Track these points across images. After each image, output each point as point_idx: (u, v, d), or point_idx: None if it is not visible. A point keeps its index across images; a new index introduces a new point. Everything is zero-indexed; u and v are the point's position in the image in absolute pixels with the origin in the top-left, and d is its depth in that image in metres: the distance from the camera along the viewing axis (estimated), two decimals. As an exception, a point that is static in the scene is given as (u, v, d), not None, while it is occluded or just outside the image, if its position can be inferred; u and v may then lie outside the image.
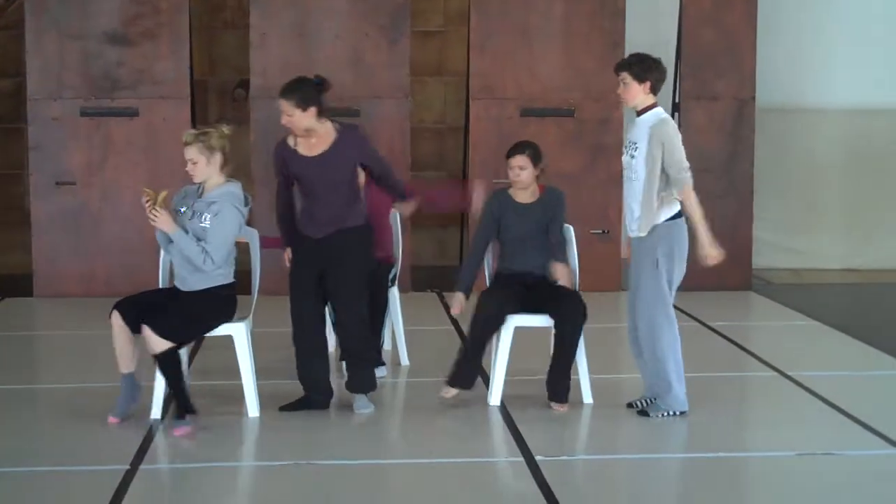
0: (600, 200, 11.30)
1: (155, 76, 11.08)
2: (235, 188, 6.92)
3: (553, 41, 11.34)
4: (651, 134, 6.93)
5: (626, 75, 7.07)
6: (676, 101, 11.93)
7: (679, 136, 7.08)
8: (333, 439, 6.78)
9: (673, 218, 7.01)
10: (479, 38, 11.33)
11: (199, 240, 6.79)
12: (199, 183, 6.91)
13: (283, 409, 7.13)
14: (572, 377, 7.54)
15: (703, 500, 5.90)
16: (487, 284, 7.55)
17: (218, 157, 6.90)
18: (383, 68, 11.21)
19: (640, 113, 7.08)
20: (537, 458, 6.31)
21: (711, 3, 11.50)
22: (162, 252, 7.16)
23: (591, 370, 7.40)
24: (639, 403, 7.14)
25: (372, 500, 5.91)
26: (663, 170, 6.97)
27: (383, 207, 8.12)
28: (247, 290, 7.34)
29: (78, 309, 10.56)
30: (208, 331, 7.03)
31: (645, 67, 7.07)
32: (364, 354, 7.17)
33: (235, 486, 6.18)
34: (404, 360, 8.33)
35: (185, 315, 6.84)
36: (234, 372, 7.17)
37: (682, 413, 7.02)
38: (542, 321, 7.33)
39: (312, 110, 6.96)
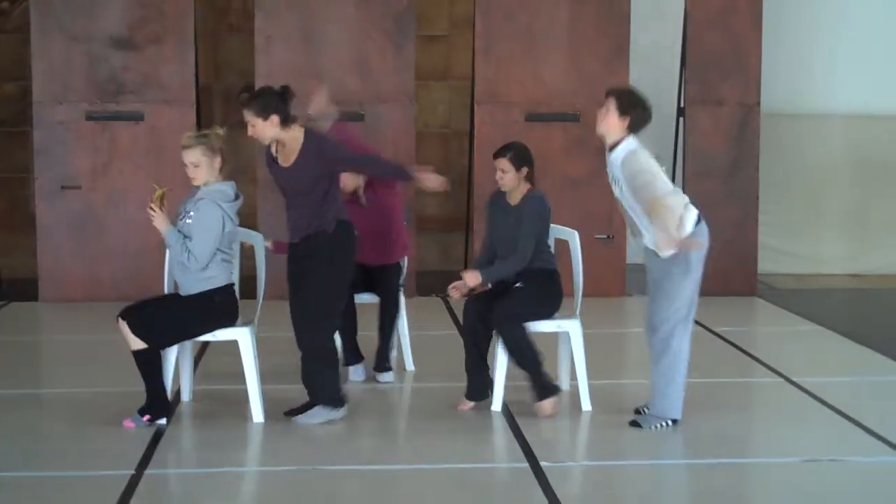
0: (605, 206, 11.26)
1: (160, 80, 11.09)
2: (225, 186, 6.94)
3: (558, 46, 11.34)
4: (623, 171, 6.85)
5: (611, 102, 6.90)
6: (681, 105, 11.94)
7: (650, 163, 6.85)
8: (338, 445, 6.77)
9: (698, 223, 6.93)
10: (484, 43, 11.33)
11: (186, 238, 6.84)
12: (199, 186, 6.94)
13: (288, 413, 7.13)
14: (572, 383, 7.55)
15: (708, 507, 5.91)
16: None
17: (218, 160, 6.93)
18: (388, 73, 11.22)
19: (611, 148, 6.92)
20: (542, 463, 6.31)
21: (717, 7, 11.50)
22: (167, 255, 7.18)
23: (593, 376, 7.38)
24: (645, 410, 7.13)
25: (377, 505, 5.91)
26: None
27: (388, 209, 8.12)
28: (252, 295, 7.35)
29: (83, 313, 10.57)
30: (197, 335, 7.03)
31: (632, 103, 6.89)
32: (309, 362, 7.04)
33: (240, 491, 6.18)
34: (409, 365, 8.33)
35: (167, 317, 6.89)
36: (239, 377, 7.18)
37: (674, 422, 6.99)
38: (544, 326, 7.33)
39: (274, 119, 6.91)
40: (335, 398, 7.03)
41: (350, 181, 7.78)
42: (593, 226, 11.03)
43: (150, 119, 11.09)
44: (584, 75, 11.34)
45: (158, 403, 6.91)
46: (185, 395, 7.52)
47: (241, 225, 7.33)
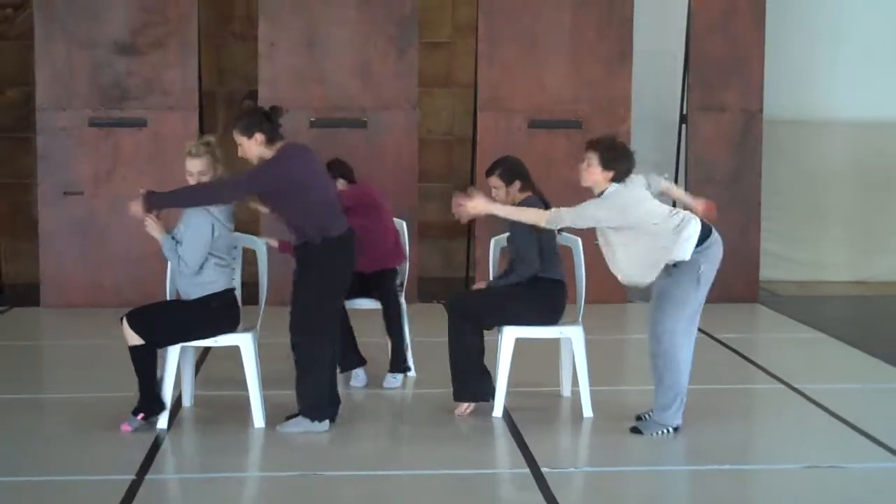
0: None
1: (163, 86, 11.10)
2: None
3: (561, 52, 11.35)
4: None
5: (592, 156, 6.92)
6: (684, 112, 11.95)
7: (619, 205, 6.86)
8: (339, 450, 6.77)
9: (706, 236, 6.93)
10: (487, 49, 11.34)
11: (178, 244, 6.88)
12: None
13: (290, 419, 7.13)
14: (574, 389, 7.56)
15: (708, 513, 5.90)
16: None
17: (219, 168, 6.96)
18: (391, 79, 11.23)
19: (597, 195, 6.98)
20: (543, 469, 6.30)
21: (720, 13, 11.51)
22: (169, 262, 7.20)
23: (595, 382, 7.38)
24: (647, 416, 7.13)
25: (377, 511, 5.91)
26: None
27: (379, 216, 8.14)
28: (254, 301, 7.36)
29: (85, 319, 10.58)
30: (196, 339, 7.03)
31: (615, 157, 6.91)
32: (298, 370, 7.04)
33: (241, 496, 6.18)
34: (411, 371, 8.33)
35: (166, 318, 6.93)
36: (241, 382, 7.18)
37: (675, 429, 6.99)
38: (546, 333, 7.33)
39: (258, 137, 6.92)
40: (314, 409, 6.99)
41: None
42: (595, 232, 10.99)
43: (153, 125, 11.10)
44: (588, 82, 11.35)
45: (152, 402, 6.93)
46: (187, 401, 7.53)
47: (243, 231, 7.34)
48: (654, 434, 6.95)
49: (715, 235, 6.99)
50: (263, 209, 7.59)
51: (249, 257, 7.47)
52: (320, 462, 6.50)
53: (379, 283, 8.15)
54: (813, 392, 7.96)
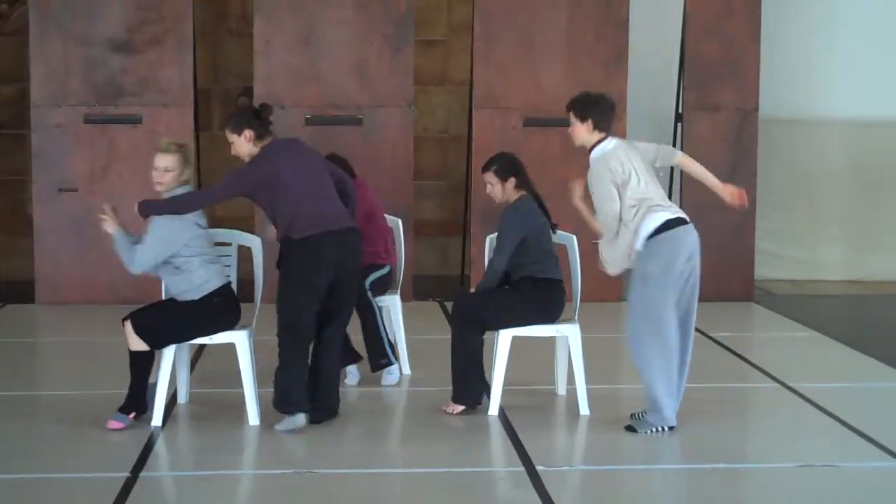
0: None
1: (159, 84, 11.09)
2: (182, 189, 6.96)
3: (557, 51, 11.35)
4: (589, 176, 6.93)
5: (570, 115, 7.07)
6: (679, 111, 11.95)
7: (611, 174, 6.89)
8: (334, 448, 6.77)
9: (659, 232, 6.89)
10: (483, 48, 11.34)
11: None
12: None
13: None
14: (569, 387, 7.56)
15: (703, 512, 5.91)
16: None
17: (188, 171, 7.01)
18: (387, 77, 11.23)
19: (590, 151, 7.02)
20: (538, 467, 6.31)
21: (715, 13, 11.51)
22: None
23: (591, 380, 7.38)
24: (640, 415, 7.13)
25: (372, 509, 5.91)
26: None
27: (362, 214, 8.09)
28: (250, 298, 7.35)
29: (80, 316, 10.56)
30: (197, 337, 7.03)
31: (584, 105, 7.02)
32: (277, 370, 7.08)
33: (236, 494, 6.18)
34: (406, 369, 8.32)
35: (169, 320, 6.93)
36: (236, 379, 7.18)
37: (670, 428, 6.99)
38: (543, 331, 7.34)
39: (248, 134, 7.01)
40: (279, 402, 6.98)
41: None
42: (591, 231, 10.99)
43: (148, 122, 11.08)
44: (583, 81, 11.29)
45: (141, 402, 6.96)
46: (182, 398, 7.52)
47: (238, 227, 7.35)
48: (647, 432, 6.95)
49: (671, 232, 6.91)
50: None
51: (245, 254, 7.46)
52: (315, 460, 6.50)
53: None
54: (808, 391, 7.97)
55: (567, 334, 7.39)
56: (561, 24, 11.32)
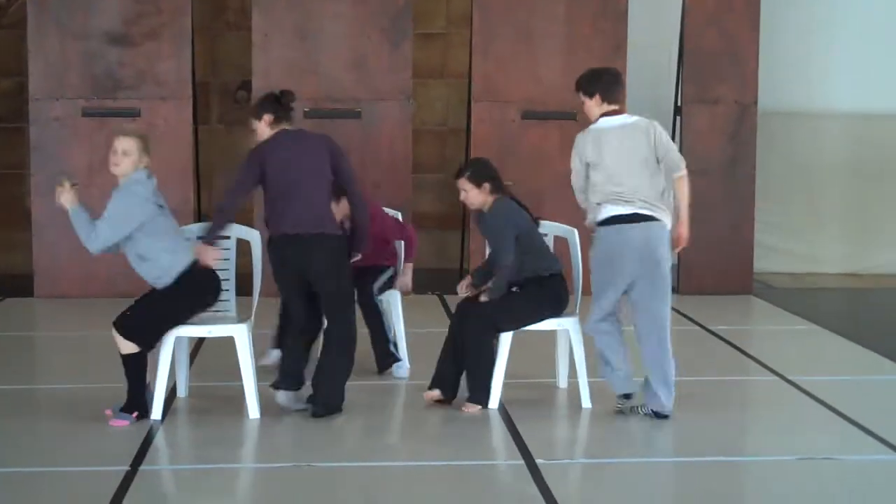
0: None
1: (157, 77, 11.07)
2: (139, 174, 6.97)
3: (555, 44, 11.34)
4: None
5: (580, 95, 7.17)
6: (678, 104, 11.94)
7: (580, 150, 7.14)
8: (333, 441, 6.77)
9: (606, 223, 6.98)
10: (482, 41, 11.32)
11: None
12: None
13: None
14: (571, 380, 7.57)
15: (703, 505, 5.90)
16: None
17: (146, 160, 7.01)
18: (385, 70, 11.21)
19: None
20: (537, 461, 6.30)
21: (714, 6, 11.50)
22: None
23: (592, 373, 7.38)
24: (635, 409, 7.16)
25: (372, 502, 5.90)
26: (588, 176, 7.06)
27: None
28: (248, 292, 7.34)
29: (78, 309, 10.56)
30: (184, 319, 7.00)
31: (588, 81, 7.16)
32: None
33: (235, 487, 6.17)
34: (406, 364, 8.32)
35: (151, 316, 6.90)
36: (235, 373, 7.18)
37: (656, 413, 7.04)
38: (544, 324, 7.34)
39: (267, 118, 7.14)
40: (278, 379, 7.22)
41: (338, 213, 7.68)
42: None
43: (146, 115, 11.06)
44: (582, 69, 11.22)
45: (140, 402, 6.95)
46: (181, 391, 7.52)
47: (237, 221, 7.34)
48: (629, 410, 7.14)
49: (615, 227, 6.96)
50: None
51: (244, 248, 7.45)
52: (314, 453, 6.49)
53: (357, 282, 8.11)
54: (807, 384, 7.97)
55: (568, 327, 7.39)
56: (559, 17, 11.31)
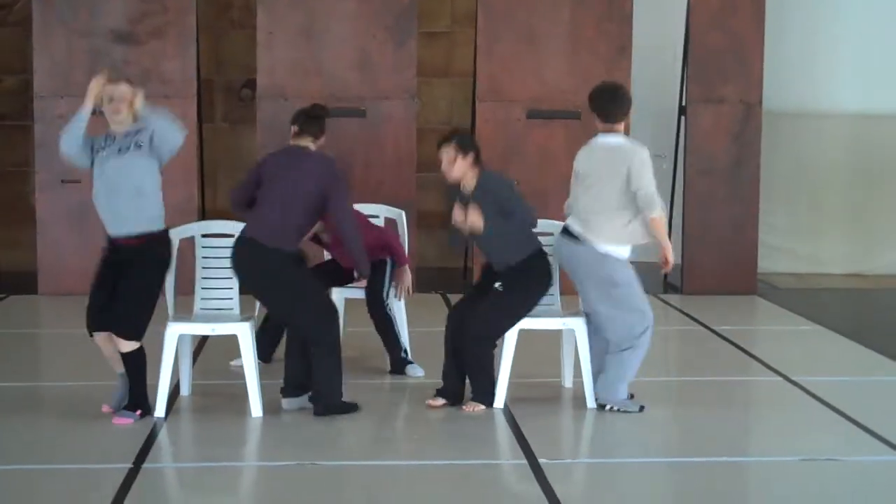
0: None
1: (162, 75, 11.08)
2: (135, 128, 6.99)
3: (560, 44, 11.33)
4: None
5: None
6: (683, 104, 11.93)
7: (576, 159, 7.41)
8: (336, 440, 6.77)
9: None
10: (487, 40, 11.32)
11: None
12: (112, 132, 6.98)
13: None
14: (576, 380, 7.57)
15: (706, 505, 5.90)
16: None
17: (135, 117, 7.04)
18: (390, 69, 11.21)
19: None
20: (541, 460, 6.30)
21: (719, 6, 11.49)
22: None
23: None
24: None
25: (375, 501, 5.90)
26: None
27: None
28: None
29: (82, 306, 10.41)
30: (159, 290, 7.00)
31: (591, 98, 7.28)
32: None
33: (239, 485, 6.17)
34: (411, 364, 8.31)
35: (141, 310, 6.86)
36: (238, 372, 7.17)
37: (601, 406, 7.13)
38: (549, 324, 7.33)
39: (293, 128, 7.32)
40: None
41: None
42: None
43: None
44: (586, 75, 11.31)
45: (144, 400, 6.96)
46: (185, 390, 7.52)
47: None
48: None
49: (558, 239, 7.24)
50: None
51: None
52: (318, 452, 6.49)
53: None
54: (811, 385, 7.96)
55: (573, 327, 7.38)
56: (564, 18, 11.32)
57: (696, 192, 11.60)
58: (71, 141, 6.95)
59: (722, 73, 11.53)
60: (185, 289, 7.46)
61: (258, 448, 6.78)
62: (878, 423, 7.03)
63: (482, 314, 7.19)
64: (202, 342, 8.58)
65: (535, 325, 7.32)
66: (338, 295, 8.20)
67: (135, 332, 6.83)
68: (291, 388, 7.17)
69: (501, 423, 7.05)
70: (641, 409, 7.20)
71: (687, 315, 10.43)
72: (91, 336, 6.98)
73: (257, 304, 7.33)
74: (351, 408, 7.12)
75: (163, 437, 6.72)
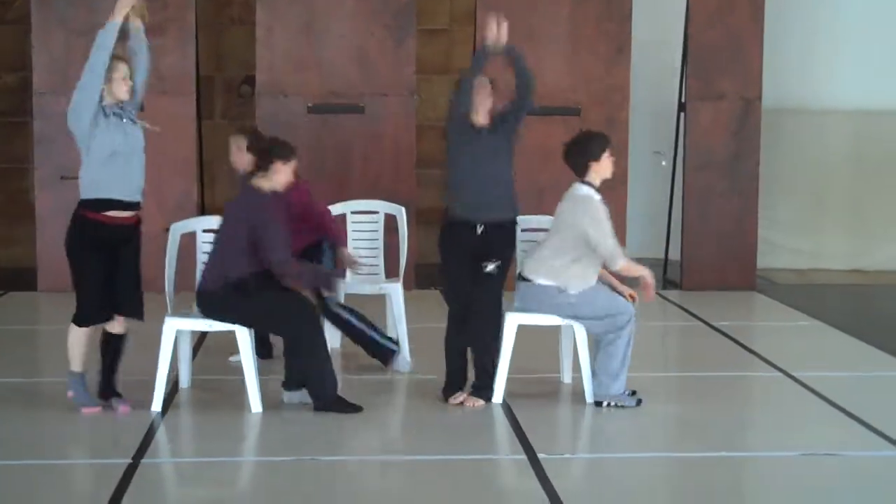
0: (605, 199, 11.27)
1: (161, 71, 11.04)
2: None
3: (559, 43, 11.33)
4: None
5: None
6: (682, 100, 11.93)
7: None
8: (335, 436, 6.77)
9: None
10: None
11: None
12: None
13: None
14: (574, 375, 7.57)
15: (705, 500, 5.89)
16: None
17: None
18: (389, 66, 11.21)
19: None
20: (540, 455, 6.30)
21: (717, 3, 11.49)
22: (168, 251, 7.23)
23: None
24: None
25: (374, 496, 5.90)
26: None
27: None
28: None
29: (82, 303, 10.53)
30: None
31: (571, 148, 7.33)
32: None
33: (237, 480, 6.17)
34: (406, 356, 8.32)
35: (139, 283, 7.11)
36: (237, 367, 7.17)
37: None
38: (549, 321, 7.33)
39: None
40: None
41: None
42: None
43: (150, 110, 10.99)
44: (585, 73, 11.33)
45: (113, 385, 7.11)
46: (184, 384, 7.52)
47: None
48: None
49: None
50: None
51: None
52: (316, 447, 6.49)
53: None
54: (810, 380, 7.96)
55: (573, 323, 7.38)
56: (563, 16, 11.33)
57: (695, 188, 11.60)
58: (98, 68, 7.03)
59: (721, 70, 11.52)
60: (186, 284, 7.45)
61: (257, 443, 6.78)
62: (877, 418, 7.03)
63: (484, 315, 7.21)
64: (201, 338, 8.57)
65: (534, 321, 7.32)
66: None
67: (143, 312, 6.87)
68: (292, 383, 7.18)
69: (500, 417, 7.05)
70: (639, 402, 7.20)
71: (686, 311, 10.43)
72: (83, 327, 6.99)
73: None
74: (352, 408, 7.09)
75: (161, 432, 6.72)
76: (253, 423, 6.94)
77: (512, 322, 7.28)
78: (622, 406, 7.15)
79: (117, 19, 6.89)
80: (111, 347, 7.04)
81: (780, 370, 8.29)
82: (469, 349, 7.32)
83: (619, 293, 7.20)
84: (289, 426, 6.87)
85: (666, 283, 11.84)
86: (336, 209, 8.60)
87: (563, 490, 5.80)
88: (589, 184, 7.23)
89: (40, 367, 8.80)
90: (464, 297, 7.27)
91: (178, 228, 7.30)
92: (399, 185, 10.94)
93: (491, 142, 7.25)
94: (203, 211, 11.42)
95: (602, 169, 7.23)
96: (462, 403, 7.25)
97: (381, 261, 8.70)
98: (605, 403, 7.19)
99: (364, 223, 8.74)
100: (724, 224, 11.53)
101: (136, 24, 7.01)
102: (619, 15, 11.31)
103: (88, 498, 5.76)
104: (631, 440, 6.79)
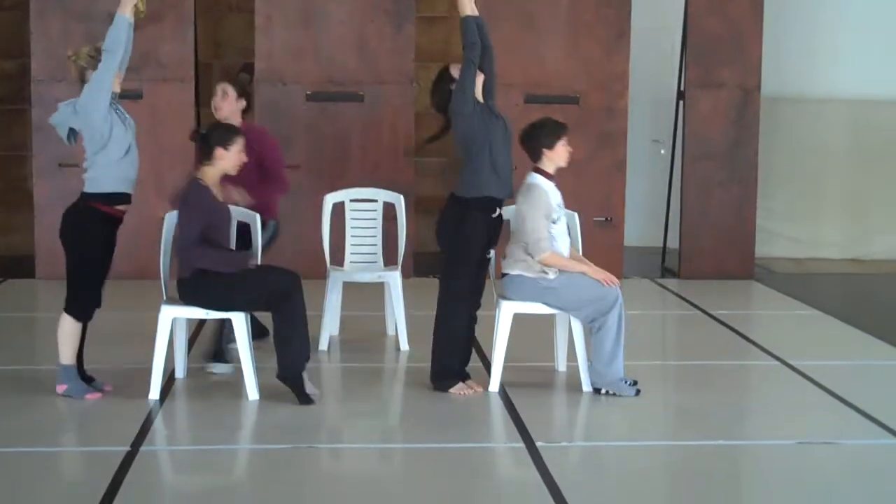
0: (604, 188, 11.30)
1: (160, 58, 11.06)
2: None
3: (558, 29, 11.31)
4: None
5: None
6: (681, 89, 11.92)
7: None
8: (332, 424, 6.78)
9: None
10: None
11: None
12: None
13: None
14: (570, 364, 7.58)
15: (702, 488, 5.89)
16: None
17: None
18: (388, 53, 11.19)
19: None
20: (538, 443, 6.31)
21: (718, -10, 11.48)
22: (163, 240, 7.23)
23: (589, 357, 7.38)
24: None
25: (372, 485, 5.90)
26: None
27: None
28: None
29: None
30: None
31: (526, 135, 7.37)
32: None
33: (235, 468, 6.18)
34: (404, 345, 8.33)
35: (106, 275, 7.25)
36: (234, 355, 7.17)
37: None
38: (545, 309, 7.33)
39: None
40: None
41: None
42: (592, 208, 11.03)
43: (149, 97, 11.05)
44: (585, 59, 11.32)
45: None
46: (180, 373, 7.52)
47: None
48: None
49: None
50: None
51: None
52: (313, 435, 6.50)
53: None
54: (808, 368, 7.97)
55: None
56: (563, 2, 11.29)
57: (694, 176, 11.59)
58: (114, 66, 7.09)
59: (720, 58, 11.51)
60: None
61: (254, 431, 6.78)
62: (874, 406, 7.05)
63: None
64: (199, 326, 8.57)
65: (528, 310, 7.32)
66: None
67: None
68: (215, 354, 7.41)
69: (498, 406, 7.06)
70: (637, 392, 7.20)
71: (684, 299, 10.44)
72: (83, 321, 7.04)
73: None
74: (305, 398, 6.96)
75: (159, 420, 6.72)
76: (250, 411, 6.94)
77: (507, 311, 7.28)
78: (619, 394, 7.16)
79: (126, 13, 6.84)
80: (83, 335, 7.10)
81: (778, 359, 8.30)
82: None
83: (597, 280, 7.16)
84: (285, 414, 6.86)
85: (664, 271, 11.84)
86: (335, 197, 8.60)
87: (561, 478, 5.81)
88: (542, 171, 7.21)
89: (39, 354, 8.79)
90: (479, 287, 7.29)
91: (173, 216, 7.30)
92: (398, 174, 10.94)
93: (502, 120, 7.25)
94: (201, 198, 11.39)
95: (556, 156, 7.24)
96: (466, 392, 7.26)
97: (379, 249, 8.70)
98: (602, 391, 7.20)
99: (363, 211, 8.74)
100: (723, 213, 11.53)
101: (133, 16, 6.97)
102: (619, 0, 11.30)
103: (86, 485, 5.76)
104: (629, 428, 6.79)
